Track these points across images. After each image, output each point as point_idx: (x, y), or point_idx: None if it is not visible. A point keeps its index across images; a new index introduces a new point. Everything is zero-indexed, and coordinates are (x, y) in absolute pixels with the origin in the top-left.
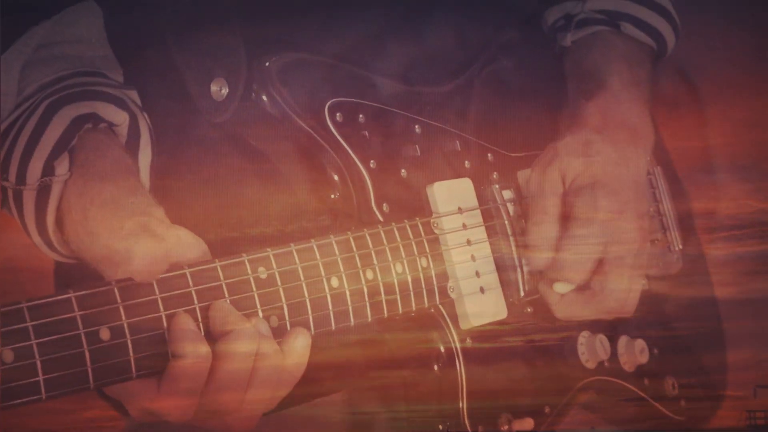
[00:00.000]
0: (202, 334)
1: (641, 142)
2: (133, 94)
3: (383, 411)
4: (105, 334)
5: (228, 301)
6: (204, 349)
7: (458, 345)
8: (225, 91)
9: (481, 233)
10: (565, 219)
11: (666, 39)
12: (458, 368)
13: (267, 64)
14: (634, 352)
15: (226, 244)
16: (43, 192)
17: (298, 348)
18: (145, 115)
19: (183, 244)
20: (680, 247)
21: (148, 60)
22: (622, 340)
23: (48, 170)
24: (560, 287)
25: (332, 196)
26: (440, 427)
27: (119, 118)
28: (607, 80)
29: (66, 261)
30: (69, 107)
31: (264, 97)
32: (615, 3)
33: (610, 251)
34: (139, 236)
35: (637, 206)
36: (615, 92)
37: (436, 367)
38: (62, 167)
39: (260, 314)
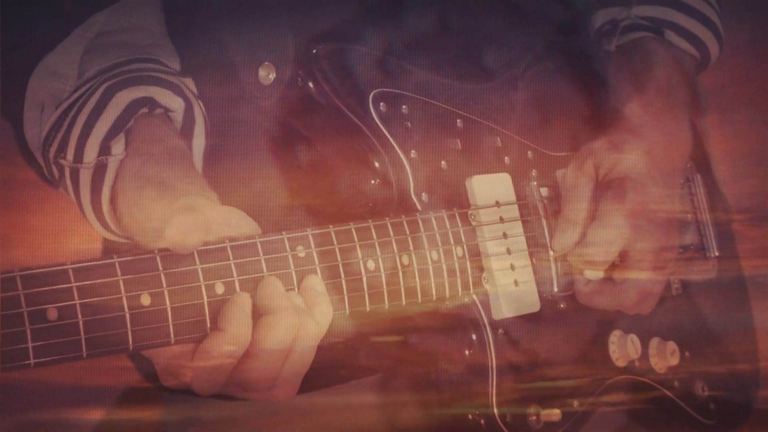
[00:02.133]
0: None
1: (677, 147)
2: (189, 82)
3: (414, 397)
4: (146, 299)
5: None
6: (245, 328)
7: (490, 334)
8: (272, 76)
9: (517, 227)
10: (595, 209)
11: (709, 49)
12: (490, 357)
13: (314, 51)
14: (666, 354)
15: (268, 226)
16: (99, 170)
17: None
18: (200, 102)
19: (233, 223)
20: (716, 254)
21: (201, 47)
22: (654, 341)
23: (104, 150)
24: (590, 274)
25: (372, 182)
26: (470, 416)
27: (175, 104)
28: (645, 85)
29: (117, 239)
30: (127, 90)
31: (310, 84)
32: (660, 11)
33: (632, 245)
34: (187, 213)
35: (665, 206)
36: (652, 97)
37: (467, 353)
38: (118, 147)
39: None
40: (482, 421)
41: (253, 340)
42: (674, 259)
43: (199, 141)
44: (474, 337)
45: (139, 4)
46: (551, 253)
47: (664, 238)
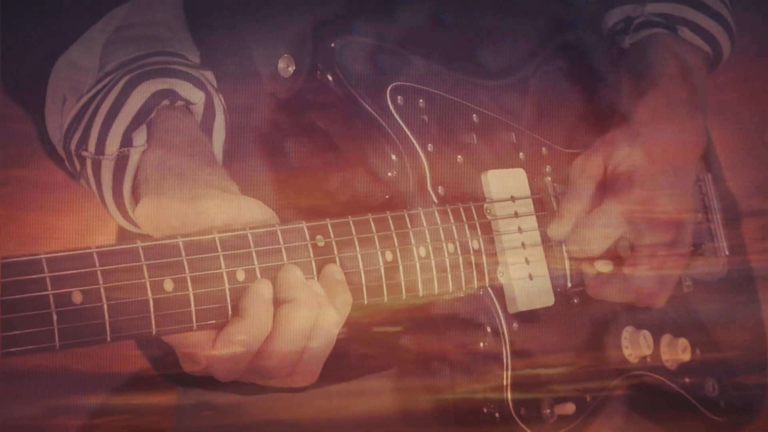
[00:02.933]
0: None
1: (690, 143)
2: (210, 75)
3: (429, 391)
4: (168, 285)
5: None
6: (266, 315)
7: (505, 328)
8: (291, 68)
9: (531, 222)
10: (600, 200)
11: (722, 46)
12: (504, 350)
13: (332, 45)
14: (677, 350)
15: (287, 217)
16: (121, 161)
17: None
18: (221, 96)
19: (253, 213)
20: (726, 254)
21: (220, 41)
22: (666, 338)
23: (126, 141)
24: (600, 265)
25: (389, 174)
26: (484, 410)
27: (196, 96)
28: (659, 80)
29: (138, 231)
30: (148, 82)
31: (329, 77)
32: (674, 7)
33: (641, 238)
34: (210, 204)
35: (675, 201)
36: (666, 92)
37: (482, 345)
38: (140, 138)
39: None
40: (497, 414)
41: (273, 327)
42: (686, 254)
43: (219, 134)
44: (489, 329)
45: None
46: (564, 249)
47: (675, 231)
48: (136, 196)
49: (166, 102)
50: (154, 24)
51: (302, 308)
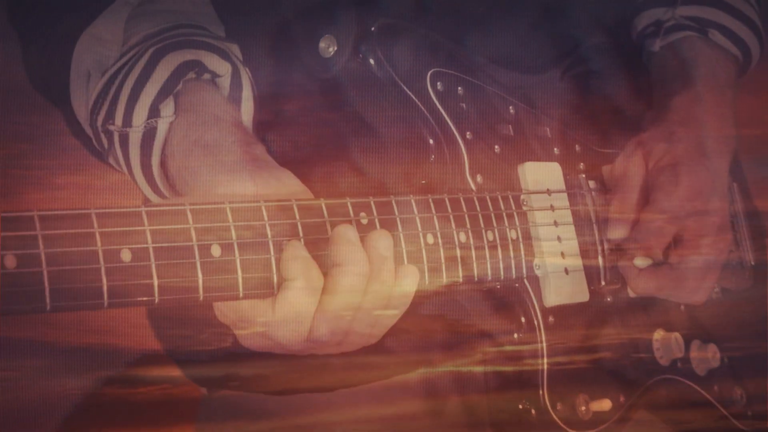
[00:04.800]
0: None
1: (722, 143)
2: (235, 48)
3: (462, 385)
4: (216, 250)
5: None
6: (316, 272)
7: (541, 320)
8: (333, 49)
9: (567, 216)
10: (647, 197)
11: (752, 51)
12: (540, 343)
13: (373, 28)
14: (707, 356)
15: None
16: (149, 133)
17: (409, 277)
18: (247, 69)
19: (284, 184)
20: (753, 263)
21: (262, 20)
22: (695, 343)
23: (153, 112)
24: (640, 261)
25: (428, 159)
26: (520, 406)
27: (222, 68)
28: (691, 81)
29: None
30: (175, 53)
31: (371, 60)
32: (705, 11)
33: (688, 228)
34: (238, 172)
35: (717, 191)
36: (699, 92)
37: (516, 336)
38: (167, 109)
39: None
40: (533, 410)
41: (325, 287)
42: (727, 248)
43: (247, 106)
44: (523, 320)
45: None
46: (599, 246)
47: (720, 222)
48: (165, 169)
49: (192, 75)
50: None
51: (353, 268)
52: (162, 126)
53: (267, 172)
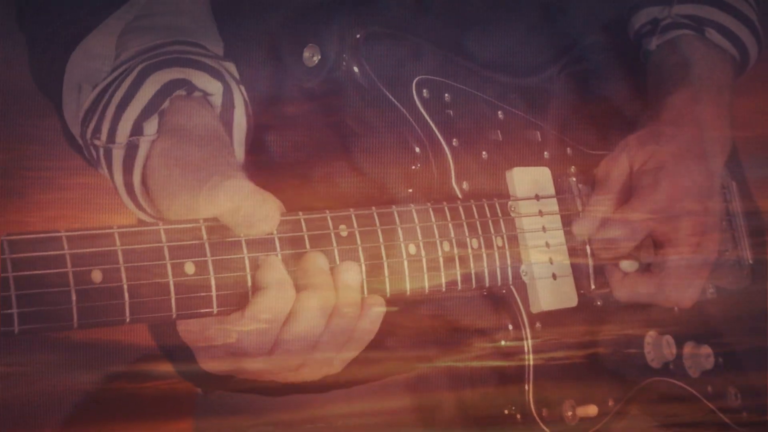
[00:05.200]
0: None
1: (715, 144)
2: (231, 67)
3: (449, 392)
4: (190, 267)
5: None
6: (289, 283)
7: (528, 326)
8: (317, 58)
9: (556, 222)
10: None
11: (749, 50)
12: (526, 349)
13: (358, 36)
14: (700, 358)
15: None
16: (131, 151)
17: (372, 315)
18: (242, 88)
19: (257, 205)
20: (750, 262)
21: (245, 29)
22: (689, 345)
23: (137, 130)
24: (626, 265)
25: (413, 168)
26: (505, 411)
27: (213, 87)
28: (686, 80)
29: (152, 220)
30: (162, 72)
31: (355, 68)
32: (702, 9)
33: (668, 230)
34: (217, 195)
35: (704, 192)
36: (694, 92)
37: (503, 343)
38: (150, 128)
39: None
40: (518, 416)
41: (291, 311)
42: (713, 253)
43: (240, 126)
44: (510, 327)
45: None
46: (588, 250)
47: (701, 229)
48: (146, 186)
49: (182, 92)
50: (179, 13)
51: (319, 295)
52: (144, 144)
53: (242, 195)
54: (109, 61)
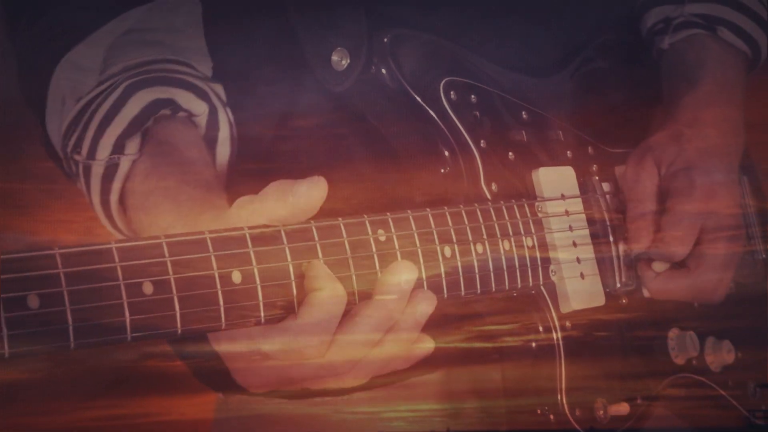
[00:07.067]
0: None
1: (731, 142)
2: (218, 88)
3: (480, 394)
4: (237, 276)
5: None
6: (339, 287)
7: (558, 327)
8: (346, 62)
9: (581, 221)
10: (663, 203)
11: (761, 48)
12: (558, 349)
13: (385, 39)
14: (722, 352)
15: (336, 213)
16: (111, 169)
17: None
18: (228, 110)
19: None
20: (764, 255)
21: (272, 32)
22: (710, 340)
23: (118, 148)
24: (658, 266)
25: (442, 171)
26: (538, 411)
27: (198, 108)
28: (700, 80)
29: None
30: (147, 90)
31: (383, 71)
32: (714, 8)
33: (705, 229)
34: (192, 219)
35: (729, 189)
36: (708, 92)
37: (534, 345)
38: (132, 147)
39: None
40: (551, 416)
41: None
42: (742, 246)
43: (223, 148)
44: (541, 328)
45: (181, 5)
46: (614, 248)
47: (734, 217)
48: (123, 206)
49: (166, 111)
50: (169, 30)
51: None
52: (124, 163)
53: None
54: (94, 75)
